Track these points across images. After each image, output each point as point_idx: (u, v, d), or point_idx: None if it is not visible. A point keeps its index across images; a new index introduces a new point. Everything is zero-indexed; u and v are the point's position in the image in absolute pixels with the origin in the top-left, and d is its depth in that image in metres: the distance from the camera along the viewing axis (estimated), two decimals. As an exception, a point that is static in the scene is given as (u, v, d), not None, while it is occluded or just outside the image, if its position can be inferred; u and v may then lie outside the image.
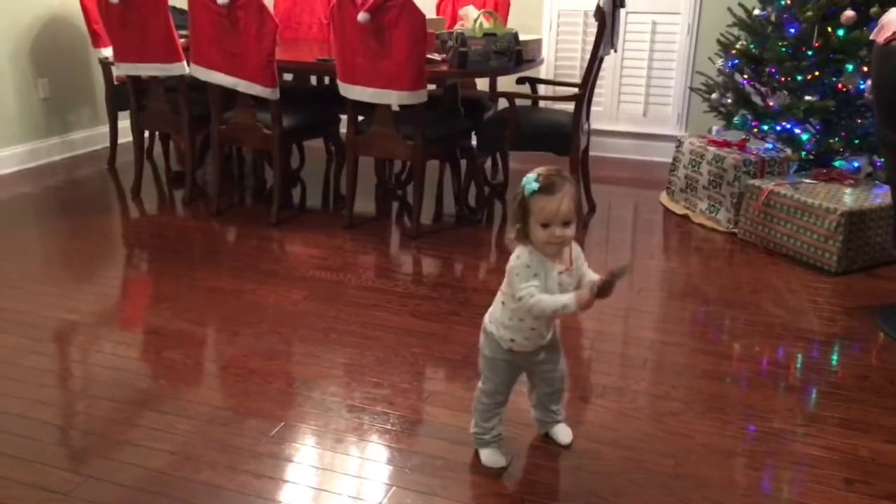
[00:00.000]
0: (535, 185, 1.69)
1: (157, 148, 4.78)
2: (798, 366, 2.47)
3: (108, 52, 4.17)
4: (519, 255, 1.75)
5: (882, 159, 3.55)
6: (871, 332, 2.69)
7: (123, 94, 4.22)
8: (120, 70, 3.89)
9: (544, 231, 1.70)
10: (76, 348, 2.52)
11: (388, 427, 2.10)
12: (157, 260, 3.29)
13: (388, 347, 2.53)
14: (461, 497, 1.82)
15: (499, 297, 1.85)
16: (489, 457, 1.93)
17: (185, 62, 3.70)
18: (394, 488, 1.85)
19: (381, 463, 1.95)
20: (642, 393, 2.28)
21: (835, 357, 2.53)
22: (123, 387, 2.28)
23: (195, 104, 3.84)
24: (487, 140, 3.75)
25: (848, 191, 3.30)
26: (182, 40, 3.71)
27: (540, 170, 1.73)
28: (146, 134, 4.30)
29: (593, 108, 3.84)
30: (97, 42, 4.34)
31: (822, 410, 2.20)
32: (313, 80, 4.67)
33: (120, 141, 4.65)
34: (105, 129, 4.70)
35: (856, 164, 3.70)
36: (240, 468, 1.91)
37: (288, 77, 4.27)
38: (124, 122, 4.43)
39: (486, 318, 1.89)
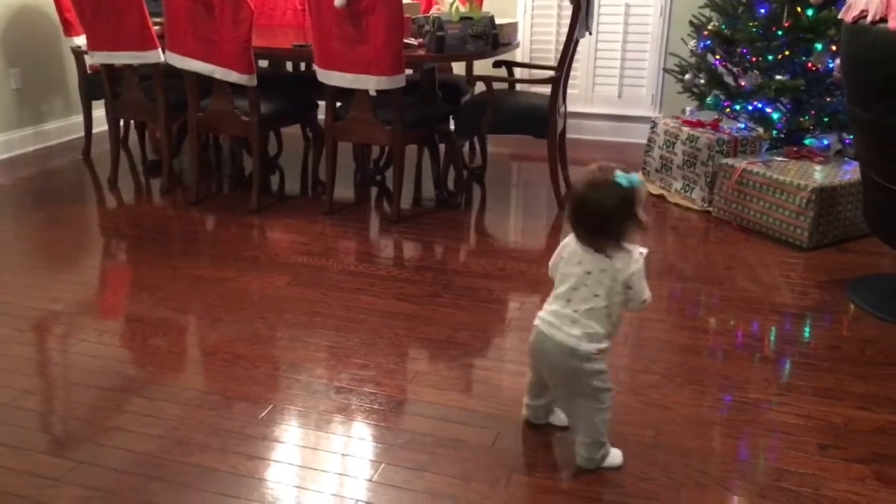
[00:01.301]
0: (637, 174, 1.69)
1: (133, 137, 4.75)
2: (772, 338, 2.54)
3: (80, 40, 4.13)
4: (638, 259, 1.74)
5: (851, 136, 3.64)
6: (842, 304, 2.77)
7: (97, 83, 4.18)
8: (94, 59, 3.86)
9: (644, 213, 1.73)
10: (60, 337, 2.52)
11: (376, 407, 2.13)
12: (137, 249, 3.29)
13: (372, 330, 2.56)
14: (450, 471, 1.86)
15: (591, 314, 1.76)
16: (617, 456, 1.89)
17: (160, 50, 3.68)
18: (383, 465, 1.89)
19: (369, 441, 1.99)
20: (623, 368, 2.34)
21: (808, 329, 2.60)
22: (110, 374, 2.29)
23: (171, 92, 3.82)
24: (465, 124, 3.78)
25: (818, 168, 3.37)
26: (156, 28, 3.69)
27: (607, 165, 1.72)
28: (121, 123, 4.27)
29: (569, 91, 3.88)
30: (69, 31, 4.29)
31: (796, 380, 2.27)
32: (289, 66, 4.66)
33: (94, 130, 4.61)
34: (79, 118, 4.66)
35: (825, 142, 3.77)
36: (231, 450, 1.94)
37: (263, 63, 4.26)
38: (98, 112, 4.39)
39: (578, 343, 1.76)
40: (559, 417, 2.03)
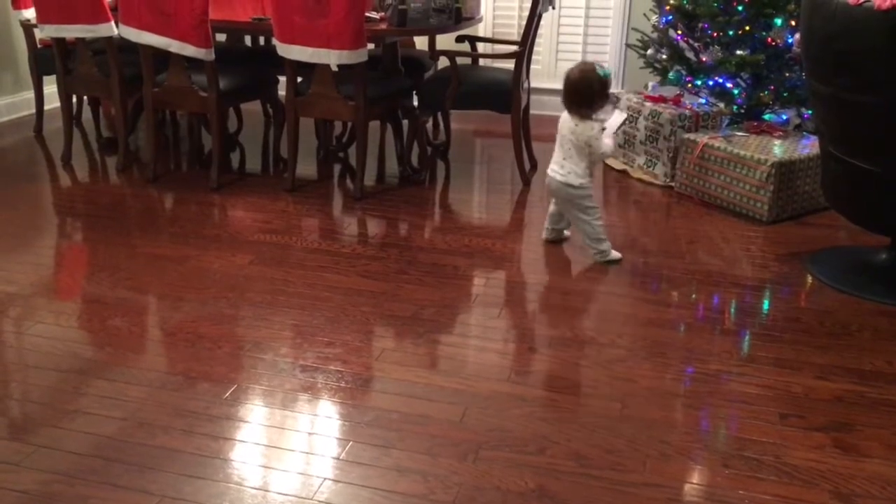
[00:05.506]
0: (609, 70, 2.77)
1: (87, 113, 4.62)
2: (733, 310, 2.58)
3: (29, 13, 3.99)
4: (594, 126, 2.76)
5: (810, 111, 3.69)
6: (801, 277, 2.82)
7: (48, 58, 4.04)
8: (44, 32, 3.73)
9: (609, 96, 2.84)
10: (15, 320, 2.45)
11: (342, 385, 2.12)
12: (94, 228, 3.21)
13: (337, 308, 2.54)
14: (417, 448, 1.86)
15: (568, 160, 2.80)
16: (616, 254, 2.88)
17: (113, 22, 3.57)
18: (350, 443, 1.88)
19: (336, 419, 1.98)
20: (588, 342, 2.35)
21: (767, 301, 2.65)
22: (68, 356, 2.24)
23: (126, 66, 3.71)
24: (429, 99, 3.74)
25: (777, 142, 3.42)
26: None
27: (592, 61, 2.87)
28: (74, 99, 4.15)
29: (532, 67, 3.86)
30: (17, 3, 4.13)
31: (756, 351, 2.31)
32: (248, 40, 4.57)
33: (46, 107, 4.47)
34: (30, 94, 4.51)
35: (785, 117, 3.82)
36: (195, 431, 1.91)
37: (221, 37, 4.16)
38: (50, 87, 4.26)
39: (566, 177, 2.81)
40: (565, 235, 3.07)
